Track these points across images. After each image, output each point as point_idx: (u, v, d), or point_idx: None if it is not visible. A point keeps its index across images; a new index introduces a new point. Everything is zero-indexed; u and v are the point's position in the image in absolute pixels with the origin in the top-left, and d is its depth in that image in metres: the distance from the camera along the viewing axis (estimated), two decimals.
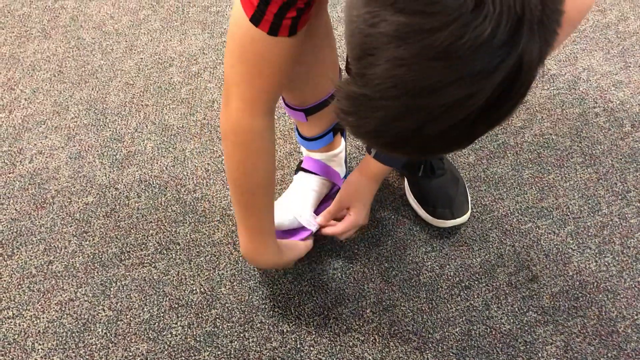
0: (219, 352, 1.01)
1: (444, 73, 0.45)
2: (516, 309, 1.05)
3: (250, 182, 0.86)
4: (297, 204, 1.07)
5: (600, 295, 1.06)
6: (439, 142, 0.51)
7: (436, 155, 0.66)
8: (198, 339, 1.02)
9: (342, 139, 1.12)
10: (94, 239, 1.14)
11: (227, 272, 1.09)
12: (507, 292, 1.07)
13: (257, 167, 0.85)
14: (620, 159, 1.23)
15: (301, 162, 1.12)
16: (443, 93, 0.45)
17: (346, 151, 1.14)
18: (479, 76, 0.45)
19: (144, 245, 1.13)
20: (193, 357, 1.00)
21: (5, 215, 1.18)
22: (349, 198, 1.02)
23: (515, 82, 0.47)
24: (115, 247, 1.13)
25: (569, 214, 1.16)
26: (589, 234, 1.13)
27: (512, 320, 1.03)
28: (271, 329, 1.03)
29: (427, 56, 0.44)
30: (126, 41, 1.49)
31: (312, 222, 1.05)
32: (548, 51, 0.48)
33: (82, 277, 1.09)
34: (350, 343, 1.01)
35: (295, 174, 1.13)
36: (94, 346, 1.02)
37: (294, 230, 1.07)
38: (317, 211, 1.10)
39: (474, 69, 0.45)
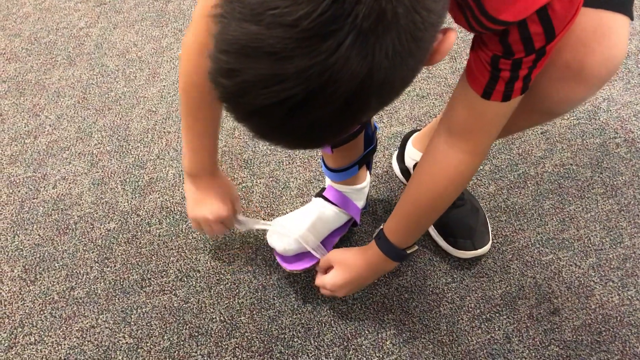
0: None
1: (252, 39, 0.45)
2: (538, 342, 1.04)
3: (201, 92, 0.84)
4: (307, 230, 1.07)
5: (624, 330, 1.05)
6: (260, 121, 0.50)
7: (275, 142, 0.56)
8: None
9: (367, 174, 1.13)
10: (115, 266, 1.15)
11: (246, 300, 1.10)
12: (529, 324, 1.06)
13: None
14: None
15: (324, 189, 1.12)
16: (252, 62, 0.45)
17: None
18: (277, 57, 0.44)
19: (164, 273, 1.14)
20: None
21: (29, 240, 1.20)
22: (337, 260, 0.97)
23: (325, 86, 0.45)
24: (137, 274, 1.14)
25: (590, 245, 1.15)
26: (611, 266, 1.12)
27: (533, 354, 1.02)
28: (291, 359, 1.03)
29: (242, 16, 0.45)
30: (149, 68, 1.52)
31: (319, 251, 1.05)
32: (383, 75, 0.46)
33: (103, 304, 1.10)
34: None
35: (315, 197, 1.13)
36: None
37: (300, 256, 1.07)
38: (325, 241, 1.10)
39: (274, 47, 0.44)
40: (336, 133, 0.53)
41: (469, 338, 1.04)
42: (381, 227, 0.92)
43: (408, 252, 0.91)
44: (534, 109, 0.82)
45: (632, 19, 0.72)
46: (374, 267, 0.94)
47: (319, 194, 1.12)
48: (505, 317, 1.07)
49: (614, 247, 1.15)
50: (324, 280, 0.98)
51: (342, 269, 0.96)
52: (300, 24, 0.43)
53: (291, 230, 1.06)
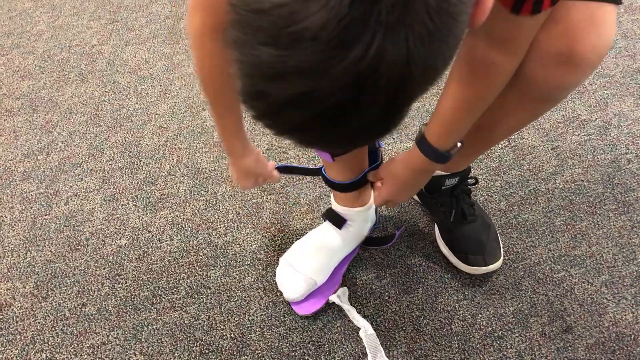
0: None
1: (274, 61, 0.42)
2: None
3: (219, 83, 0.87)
4: (316, 268, 1.09)
5: (639, 349, 1.03)
6: (301, 134, 0.49)
7: (320, 147, 0.59)
8: None
9: (372, 193, 1.12)
10: (126, 282, 1.16)
11: (257, 317, 1.09)
12: (541, 342, 1.05)
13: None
14: None
15: (330, 208, 1.12)
16: (279, 83, 0.43)
17: None
18: (304, 75, 0.42)
19: (175, 289, 1.14)
20: None
21: (41, 256, 1.20)
22: (385, 174, 0.99)
23: (363, 92, 0.43)
24: (147, 291, 1.14)
25: (602, 262, 1.14)
26: (625, 283, 1.11)
27: None
28: None
29: (258, 40, 0.42)
30: (160, 85, 1.53)
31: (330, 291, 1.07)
32: (423, 64, 0.43)
33: (114, 321, 1.10)
34: None
35: (323, 216, 1.13)
36: None
37: (311, 295, 1.09)
38: (336, 269, 1.11)
39: (300, 67, 0.41)
40: (384, 131, 0.51)
41: (481, 356, 1.03)
42: (421, 128, 0.90)
43: (452, 152, 0.89)
44: (531, 97, 0.84)
45: (620, 3, 0.74)
46: (420, 171, 0.93)
47: (327, 214, 1.11)
48: (517, 335, 1.06)
49: (627, 264, 1.14)
50: (380, 197, 0.99)
51: (392, 181, 0.97)
52: (320, 37, 0.40)
53: (300, 269, 1.08)
